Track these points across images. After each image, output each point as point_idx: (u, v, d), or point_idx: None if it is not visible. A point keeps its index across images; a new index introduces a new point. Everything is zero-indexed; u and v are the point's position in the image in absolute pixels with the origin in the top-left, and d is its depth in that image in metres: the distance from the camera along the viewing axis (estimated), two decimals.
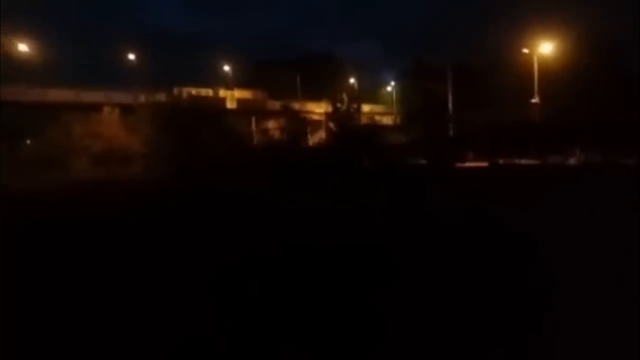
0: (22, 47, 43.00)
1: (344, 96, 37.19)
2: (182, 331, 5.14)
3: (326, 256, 7.85)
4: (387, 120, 52.61)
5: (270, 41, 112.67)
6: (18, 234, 10.58)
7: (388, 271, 7.11)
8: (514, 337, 4.81)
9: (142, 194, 18.41)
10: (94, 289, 6.64)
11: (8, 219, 12.36)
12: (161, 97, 40.86)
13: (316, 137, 46.50)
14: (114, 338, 5.04)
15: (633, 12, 34.41)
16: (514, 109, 38.65)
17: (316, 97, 52.89)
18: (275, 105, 50.65)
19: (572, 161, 29.09)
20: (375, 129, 39.17)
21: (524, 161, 29.76)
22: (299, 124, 41.31)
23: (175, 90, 43.57)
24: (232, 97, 53.95)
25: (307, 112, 52.17)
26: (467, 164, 30.55)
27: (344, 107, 35.65)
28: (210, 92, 52.52)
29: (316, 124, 49.40)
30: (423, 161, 29.87)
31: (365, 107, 49.64)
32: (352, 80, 56.76)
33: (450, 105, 43.40)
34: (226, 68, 56.64)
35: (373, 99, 59.06)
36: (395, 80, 60.52)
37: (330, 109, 39.41)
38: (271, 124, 45.69)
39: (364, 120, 40.95)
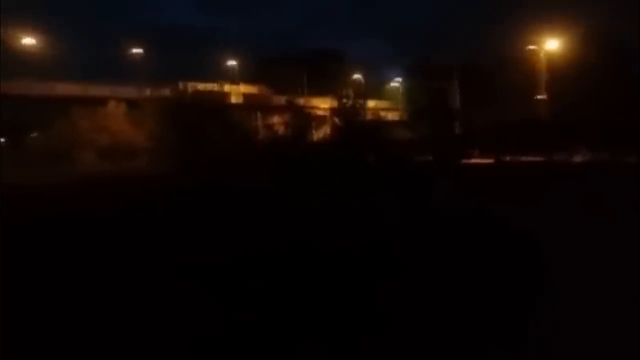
0: (29, 41, 43.05)
1: (350, 92, 36.94)
2: (189, 327, 5.14)
3: (332, 252, 7.84)
4: (392, 116, 52.39)
5: (278, 39, 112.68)
6: (23, 228, 10.61)
7: (394, 268, 7.09)
8: (517, 334, 4.79)
9: (147, 189, 18.44)
10: (102, 284, 6.66)
11: (13, 213, 12.41)
12: (166, 91, 40.86)
13: (321, 133, 46.37)
14: (122, 333, 5.05)
15: None
16: (520, 106, 38.47)
17: (321, 93, 52.72)
18: (281, 100, 50.52)
19: (577, 159, 28.93)
20: (380, 124, 38.94)
21: (529, 158, 29.64)
22: (304, 119, 41.10)
23: (181, 85, 43.55)
24: (237, 92, 53.90)
25: (313, 107, 52.01)
26: (473, 161, 30.48)
27: (350, 103, 35.39)
28: (215, 87, 52.49)
29: (321, 120, 49.26)
30: (429, 158, 29.78)
31: (371, 103, 49.40)
32: (357, 76, 56.57)
33: (456, 102, 43.23)
34: (232, 63, 56.58)
35: (379, 95, 58.85)
36: (401, 76, 60.34)
37: (335, 105, 39.20)
38: (276, 119, 45.62)
39: (369, 116, 40.68)
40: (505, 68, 42.57)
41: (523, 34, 43.48)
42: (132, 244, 8.93)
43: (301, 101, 48.94)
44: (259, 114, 51.03)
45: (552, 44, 41.16)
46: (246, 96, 54.15)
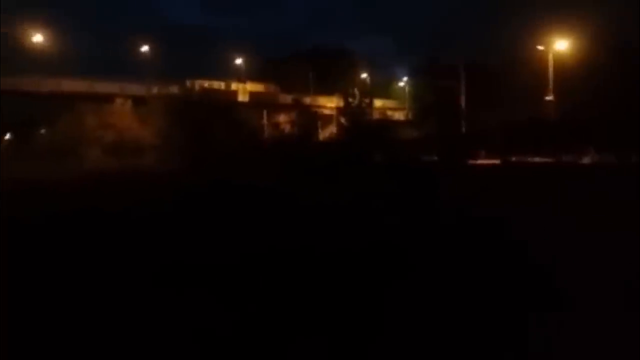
0: (38, 38, 43.26)
1: (356, 91, 36.95)
2: (195, 325, 5.13)
3: (338, 252, 7.82)
4: (399, 115, 52.32)
5: (284, 38, 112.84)
6: (29, 224, 10.64)
7: (399, 268, 7.06)
8: (522, 335, 4.76)
9: (154, 186, 18.49)
10: (107, 280, 6.66)
11: (20, 209, 12.45)
12: (174, 89, 40.97)
13: (327, 132, 46.38)
14: (128, 329, 5.05)
15: None
16: (528, 106, 38.28)
17: (328, 92, 52.72)
18: (287, 99, 50.56)
19: (585, 160, 28.74)
20: (387, 124, 38.94)
21: (536, 159, 29.48)
22: (311, 118, 41.23)
23: (188, 83, 43.66)
24: (244, 90, 53.96)
25: (319, 106, 52.05)
26: (480, 162, 30.36)
27: (356, 102, 35.41)
28: (222, 85, 52.57)
29: (327, 119, 49.29)
30: (435, 157, 29.72)
31: (377, 102, 49.38)
32: (364, 75, 56.48)
33: (463, 102, 43.10)
34: (239, 61, 56.63)
35: (385, 94, 58.71)
36: (408, 75, 60.15)
37: (341, 104, 39.24)
38: (282, 118, 45.63)
39: (375, 115, 40.70)
40: (513, 68, 42.35)
41: (531, 34, 43.29)
42: (138, 241, 8.93)
43: (307, 100, 49.01)
44: (265, 113, 51.06)
45: (560, 45, 40.92)
46: (253, 94, 54.21)
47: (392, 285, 6.30)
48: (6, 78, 37.45)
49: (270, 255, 7.82)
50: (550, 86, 39.87)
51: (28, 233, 9.64)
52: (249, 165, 23.21)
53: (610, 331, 4.68)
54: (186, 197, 15.03)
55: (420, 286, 6.18)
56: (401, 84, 62.12)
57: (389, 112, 49.66)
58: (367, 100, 36.53)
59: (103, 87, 44.89)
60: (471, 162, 29.15)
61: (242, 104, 50.16)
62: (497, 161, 29.81)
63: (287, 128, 39.39)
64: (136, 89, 45.01)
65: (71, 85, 43.86)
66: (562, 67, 39.01)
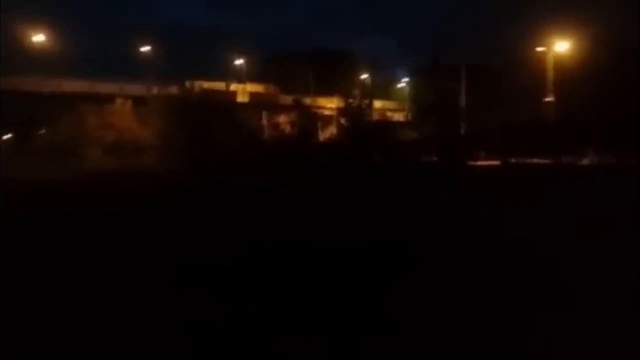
0: (38, 38, 43.28)
1: (356, 92, 36.97)
2: (194, 325, 5.14)
3: (336, 251, 7.83)
4: (398, 116, 52.32)
5: (285, 38, 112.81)
6: (29, 223, 10.65)
7: (398, 268, 7.06)
8: (521, 336, 4.77)
9: (154, 186, 18.50)
10: (107, 280, 6.67)
11: (19, 208, 12.46)
12: (173, 89, 40.98)
13: (327, 133, 46.37)
14: (127, 329, 5.05)
15: None
16: (528, 107, 38.28)
17: (328, 93, 52.69)
18: (287, 99, 50.56)
19: (585, 161, 28.74)
20: (386, 125, 38.98)
21: (536, 160, 29.48)
22: (311, 119, 41.24)
23: (188, 84, 43.68)
24: (244, 91, 53.95)
25: (319, 107, 52.03)
26: (479, 162, 30.36)
27: (356, 103, 35.41)
28: (222, 85, 52.57)
29: (327, 119, 49.27)
30: (434, 158, 29.72)
31: (377, 103, 49.40)
32: (364, 76, 56.48)
33: (463, 103, 43.10)
34: (239, 62, 56.63)
35: (385, 95, 58.70)
36: (408, 76, 60.17)
37: (341, 105, 39.27)
38: (282, 119, 45.63)
39: (375, 116, 40.74)
40: (514, 69, 42.37)
41: (532, 35, 43.32)
42: (138, 241, 8.94)
43: (308, 101, 48.98)
44: (265, 113, 51.06)
45: (561, 46, 40.94)
46: (253, 95, 54.19)
47: (392, 285, 6.31)
48: (7, 78, 37.45)
49: (269, 255, 7.83)
50: (550, 87, 39.87)
51: (28, 232, 9.65)
52: (249, 165, 23.21)
53: (607, 331, 4.69)
54: (186, 197, 15.03)
55: (419, 286, 6.19)
56: (401, 84, 62.13)
57: (389, 113, 49.67)
58: (367, 101, 36.52)
59: (103, 87, 44.89)
60: (471, 163, 29.14)
61: (242, 104, 50.13)
62: (497, 162, 29.81)
63: (287, 129, 39.40)
64: (136, 89, 45.01)
65: (72, 85, 43.87)
66: (562, 68, 39.03)
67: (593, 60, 35.35)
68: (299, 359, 4.49)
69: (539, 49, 41.90)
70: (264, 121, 49.89)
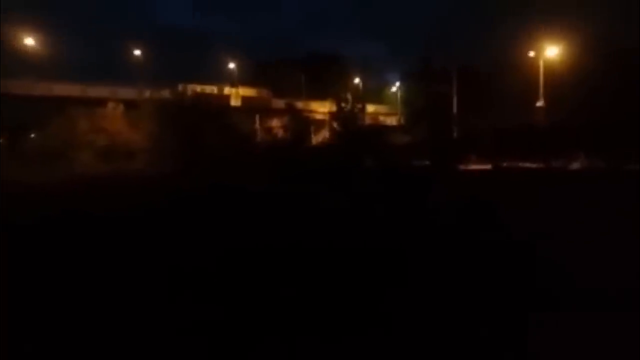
0: (29, 41, 43.08)
1: (348, 96, 36.99)
2: (186, 329, 5.13)
3: (328, 256, 7.84)
4: (391, 120, 52.56)
5: (278, 41, 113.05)
6: (18, 228, 10.58)
7: (389, 273, 7.08)
8: (514, 340, 4.80)
9: (145, 191, 18.43)
10: (96, 285, 6.64)
11: (9, 213, 12.38)
12: (166, 93, 40.92)
13: (320, 137, 46.37)
14: (117, 334, 5.04)
15: None
16: (520, 112, 38.57)
17: (320, 97, 52.87)
18: (280, 103, 50.67)
19: (575, 166, 28.98)
20: (379, 129, 39.08)
21: (527, 165, 29.67)
22: (303, 123, 41.15)
23: (180, 87, 43.63)
24: (236, 95, 54.02)
25: (311, 111, 52.13)
26: (471, 166, 30.51)
27: (348, 107, 35.44)
28: (214, 89, 52.56)
29: (320, 123, 49.31)
30: (426, 162, 29.82)
31: (370, 108, 49.60)
32: (356, 80, 56.71)
33: (454, 108, 43.36)
34: (231, 66, 56.69)
35: (377, 100, 58.98)
36: (400, 81, 60.54)
37: (334, 109, 39.29)
38: (275, 123, 45.58)
39: (368, 120, 40.79)
40: (505, 74, 42.72)
41: (523, 40, 43.74)
42: (130, 245, 8.91)
43: (300, 105, 49.04)
44: (257, 117, 51.09)
45: (551, 51, 41.34)
46: (245, 99, 54.26)
47: (383, 289, 6.33)
48: None
49: (261, 258, 7.83)
50: (541, 92, 40.21)
51: (18, 236, 9.58)
52: (241, 169, 23.20)
53: (595, 334, 4.74)
54: (178, 200, 15.00)
55: (410, 291, 6.21)
56: (394, 89, 62.48)
57: (381, 117, 49.88)
58: (359, 106, 36.53)
59: (95, 91, 44.79)
60: (462, 167, 29.29)
61: (235, 108, 50.20)
62: (488, 166, 29.98)
63: (279, 133, 39.34)
64: (128, 93, 44.94)
65: (63, 89, 43.71)
66: (553, 73, 39.37)
67: (584, 65, 35.70)
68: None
69: (530, 53, 42.28)
70: (257, 125, 49.89)
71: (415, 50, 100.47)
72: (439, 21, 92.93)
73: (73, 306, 5.76)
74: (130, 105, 42.09)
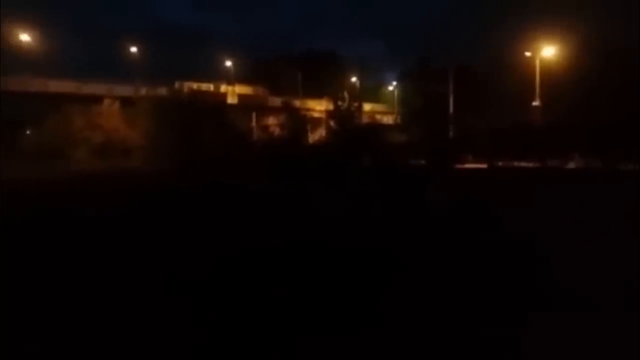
0: (25, 38, 42.88)
1: (345, 94, 37.01)
2: (182, 330, 5.13)
3: (324, 254, 7.85)
4: (387, 119, 52.55)
5: (275, 39, 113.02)
6: (12, 225, 10.53)
7: (386, 272, 7.09)
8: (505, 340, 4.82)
9: (141, 187, 18.41)
10: (91, 283, 6.63)
11: (4, 212, 12.32)
12: (162, 90, 40.83)
13: (316, 135, 46.38)
14: (111, 334, 5.03)
15: (638, 18, 34.43)
16: (516, 111, 38.68)
17: (317, 95, 52.86)
18: (276, 101, 50.61)
19: (570, 165, 29.10)
20: (375, 128, 39.09)
21: (522, 164, 29.79)
22: (300, 121, 41.16)
23: (177, 84, 43.53)
24: (233, 93, 53.94)
25: (308, 109, 52.13)
26: (467, 166, 30.59)
27: (345, 106, 35.45)
28: (211, 87, 52.47)
29: (317, 122, 49.33)
30: (422, 162, 29.87)
31: (367, 106, 49.66)
32: (353, 79, 56.72)
33: (451, 106, 43.43)
34: (228, 63, 56.59)
35: (374, 98, 59.01)
36: (397, 80, 60.60)
37: (331, 107, 39.30)
38: (271, 121, 45.59)
39: (364, 119, 40.83)
40: (502, 73, 42.81)
41: (520, 39, 43.82)
42: (125, 242, 8.90)
43: (297, 103, 49.03)
44: (254, 115, 51.05)
45: (547, 51, 41.45)
46: (242, 97, 54.18)
47: (379, 288, 6.34)
48: None
49: (257, 256, 7.83)
50: (537, 92, 40.32)
51: (13, 233, 9.55)
52: (238, 167, 23.18)
53: (588, 334, 4.76)
54: (174, 197, 14.98)
55: (406, 289, 6.22)
56: (390, 88, 62.52)
57: (378, 116, 49.85)
58: (356, 104, 36.54)
59: (91, 88, 44.65)
60: (459, 166, 29.36)
61: (231, 106, 50.12)
62: (484, 165, 30.08)
63: (276, 131, 39.33)
64: (125, 90, 44.82)
65: (59, 85, 43.54)
66: (549, 73, 39.47)
67: (580, 65, 35.82)
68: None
69: (526, 53, 42.38)
70: (253, 123, 49.86)
71: (413, 50, 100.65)
72: (437, 21, 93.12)
73: (67, 305, 5.75)
74: (126, 102, 41.98)
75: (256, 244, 8.68)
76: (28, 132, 44.37)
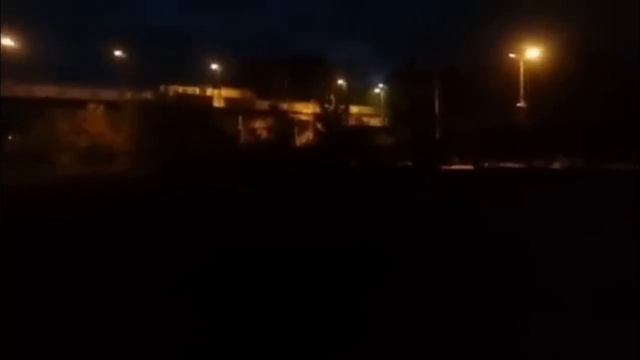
0: (7, 42, 42.37)
1: (332, 97, 37.09)
2: (169, 332, 5.08)
3: (310, 256, 7.83)
4: (375, 122, 52.70)
5: (262, 41, 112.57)
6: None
7: (374, 273, 7.08)
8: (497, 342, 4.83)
9: (126, 191, 18.26)
10: (76, 288, 6.54)
11: None
12: (147, 94, 40.56)
13: (304, 138, 46.39)
14: (100, 337, 4.97)
15: (623, 19, 34.96)
16: (501, 113, 39.00)
17: (304, 98, 52.84)
18: (263, 105, 50.53)
19: (555, 165, 29.43)
20: (363, 130, 39.18)
21: (508, 164, 30.06)
22: (287, 124, 41.15)
23: (162, 88, 43.27)
24: (219, 96, 53.75)
25: (295, 112, 52.07)
26: (453, 167, 30.79)
27: (332, 108, 35.54)
28: (197, 90, 52.26)
29: (304, 125, 49.32)
30: (409, 163, 30.03)
31: (354, 109, 49.74)
32: (340, 82, 56.84)
33: (437, 108, 43.66)
34: (214, 67, 56.40)
35: (361, 101, 59.13)
36: (384, 82, 60.78)
37: (318, 110, 39.37)
38: (259, 124, 45.50)
39: (352, 121, 40.89)
40: (487, 75, 43.11)
41: (504, 42, 44.19)
42: (110, 246, 8.81)
43: (284, 106, 48.97)
44: (240, 119, 50.88)
45: (532, 53, 41.90)
46: (228, 100, 54.02)
47: (365, 290, 6.32)
48: None
49: (242, 259, 7.79)
50: (522, 93, 40.71)
51: None
52: (224, 170, 23.11)
53: (580, 334, 4.79)
54: (158, 201, 14.88)
55: (394, 291, 6.21)
56: (377, 90, 62.71)
57: (365, 119, 49.94)
58: (343, 107, 36.66)
59: (75, 92, 44.24)
60: (445, 167, 29.54)
61: (218, 109, 49.92)
62: (470, 166, 30.29)
63: (263, 134, 39.30)
64: (109, 94, 44.44)
65: (42, 90, 43.07)
66: (534, 74, 39.87)
67: (564, 66, 36.19)
68: None
69: (511, 55, 42.78)
70: (240, 126, 49.69)
71: (399, 52, 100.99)
72: (424, 23, 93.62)
73: (50, 310, 5.68)
74: (111, 106, 41.66)
75: (241, 247, 8.63)
76: (11, 138, 43.89)
